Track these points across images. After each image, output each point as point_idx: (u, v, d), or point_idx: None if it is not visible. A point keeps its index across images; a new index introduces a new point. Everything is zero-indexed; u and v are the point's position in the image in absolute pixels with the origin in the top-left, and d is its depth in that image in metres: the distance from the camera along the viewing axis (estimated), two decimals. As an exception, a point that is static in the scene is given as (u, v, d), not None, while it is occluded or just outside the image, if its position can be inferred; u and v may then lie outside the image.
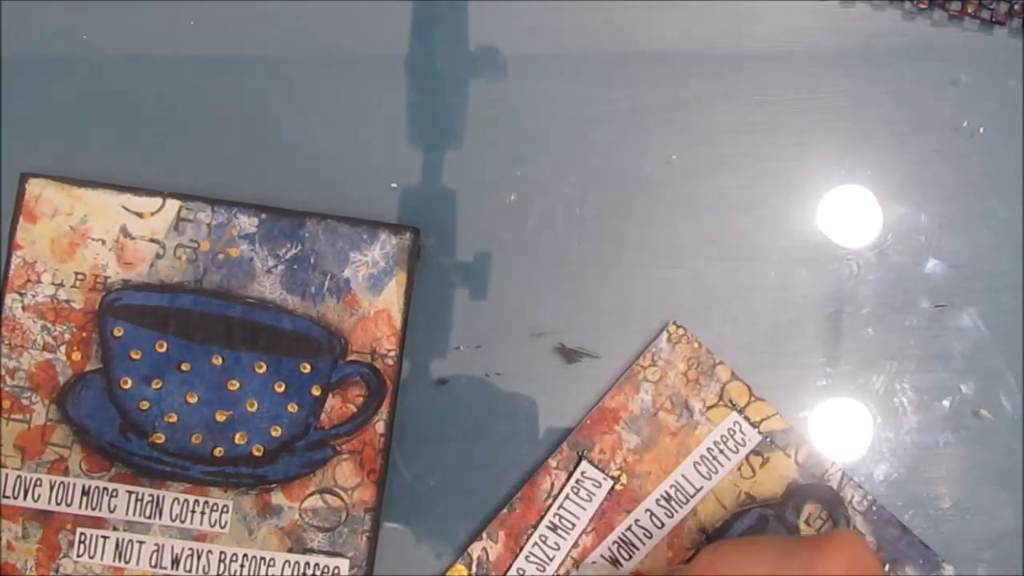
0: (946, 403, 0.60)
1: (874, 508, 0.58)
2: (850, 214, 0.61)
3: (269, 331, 0.57)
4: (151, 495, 0.57)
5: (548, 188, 0.60)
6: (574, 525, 0.58)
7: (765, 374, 0.59)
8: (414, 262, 0.58)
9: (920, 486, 0.59)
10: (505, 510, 0.58)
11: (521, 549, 0.58)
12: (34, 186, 0.58)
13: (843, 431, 0.59)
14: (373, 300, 0.58)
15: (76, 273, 0.57)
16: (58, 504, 0.57)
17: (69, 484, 0.57)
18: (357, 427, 0.57)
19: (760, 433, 0.59)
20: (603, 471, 0.58)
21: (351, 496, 0.57)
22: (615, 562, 0.57)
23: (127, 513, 0.57)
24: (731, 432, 0.59)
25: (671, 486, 0.59)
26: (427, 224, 0.59)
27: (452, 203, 0.60)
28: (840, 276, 0.60)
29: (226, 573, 0.56)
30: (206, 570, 0.56)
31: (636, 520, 0.58)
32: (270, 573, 0.56)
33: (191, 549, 0.56)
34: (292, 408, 0.57)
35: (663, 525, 0.58)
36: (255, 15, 0.61)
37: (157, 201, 0.58)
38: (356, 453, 0.57)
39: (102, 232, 0.58)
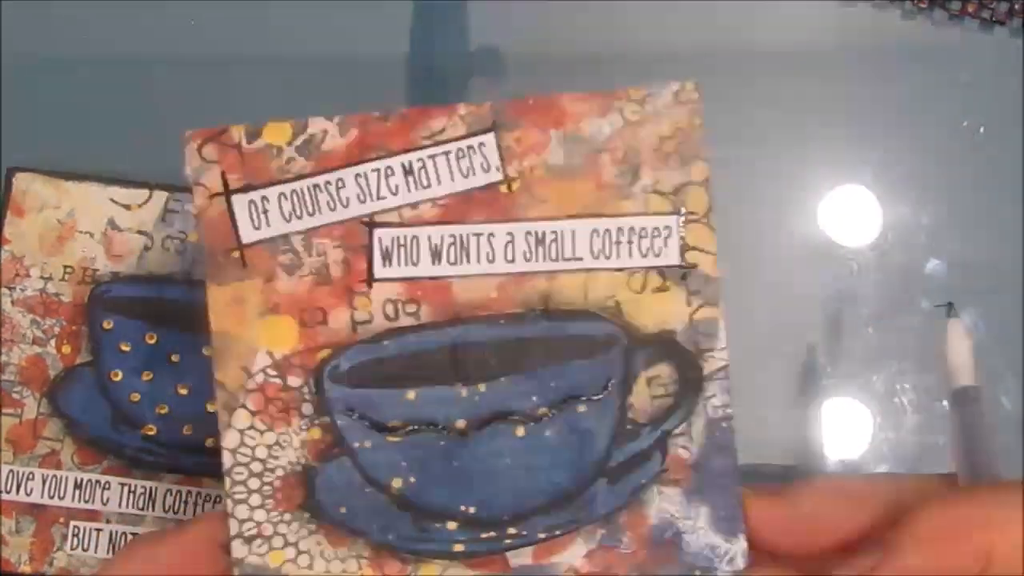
0: (946, 403, 0.59)
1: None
2: (850, 214, 0.60)
3: (257, 321, 0.57)
4: (144, 487, 0.57)
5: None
6: (431, 185, 0.45)
7: (765, 374, 0.59)
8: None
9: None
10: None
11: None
12: (21, 180, 0.58)
13: (843, 431, 0.59)
14: (363, 287, 0.57)
15: (65, 267, 0.57)
16: (51, 498, 0.57)
17: (62, 477, 0.57)
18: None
19: (682, 260, 0.46)
20: (502, 160, 0.45)
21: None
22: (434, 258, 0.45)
23: (120, 505, 0.57)
24: (657, 232, 0.45)
25: (553, 231, 0.45)
26: (425, 222, 0.59)
27: (452, 203, 0.60)
28: (840, 276, 0.60)
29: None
30: (199, 561, 0.56)
31: (488, 232, 0.45)
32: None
33: (184, 540, 0.57)
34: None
35: (512, 260, 0.45)
36: (255, 15, 0.61)
37: (144, 193, 0.58)
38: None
39: (90, 225, 0.58)
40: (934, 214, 0.60)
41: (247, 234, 0.43)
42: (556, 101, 0.45)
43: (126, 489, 0.57)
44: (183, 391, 0.57)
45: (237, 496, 0.43)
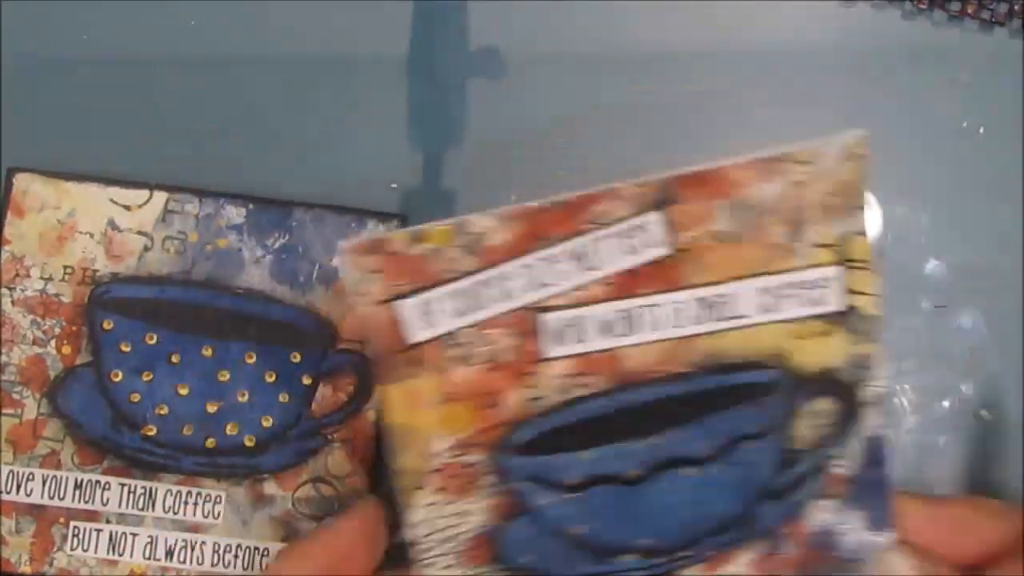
0: (946, 403, 0.59)
1: None
2: (850, 214, 0.60)
3: (259, 321, 0.57)
4: (144, 487, 0.57)
5: (548, 188, 0.60)
6: (599, 267, 0.44)
7: (765, 374, 0.59)
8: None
9: (920, 486, 0.59)
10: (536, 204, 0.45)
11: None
12: (21, 181, 0.58)
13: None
14: (364, 288, 0.57)
15: (65, 267, 0.57)
16: (51, 498, 0.57)
17: (61, 478, 0.57)
18: (348, 415, 0.57)
19: (844, 305, 0.46)
20: (669, 232, 0.44)
21: (343, 485, 0.57)
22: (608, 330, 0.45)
23: (120, 506, 0.57)
24: (821, 282, 0.45)
25: (720, 294, 0.45)
26: (427, 224, 0.59)
27: (452, 203, 0.60)
28: (840, 276, 0.60)
29: (220, 564, 0.56)
30: (200, 561, 0.56)
31: (655, 303, 0.45)
32: (264, 563, 0.56)
33: (185, 540, 0.56)
34: (283, 398, 0.57)
35: (680, 325, 0.45)
36: (255, 15, 0.61)
37: (144, 194, 0.58)
38: (348, 442, 0.57)
39: (90, 226, 0.58)
40: (934, 214, 0.60)
41: (416, 334, 0.44)
42: (721, 173, 0.44)
43: (126, 489, 0.57)
44: (183, 391, 0.57)
45: (425, 561, 0.45)
